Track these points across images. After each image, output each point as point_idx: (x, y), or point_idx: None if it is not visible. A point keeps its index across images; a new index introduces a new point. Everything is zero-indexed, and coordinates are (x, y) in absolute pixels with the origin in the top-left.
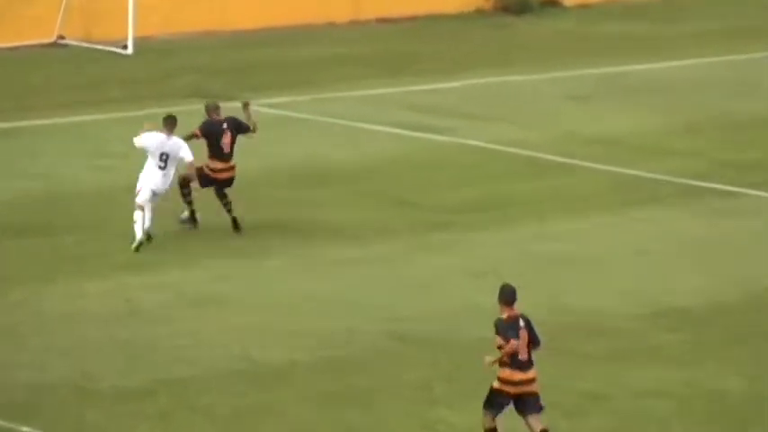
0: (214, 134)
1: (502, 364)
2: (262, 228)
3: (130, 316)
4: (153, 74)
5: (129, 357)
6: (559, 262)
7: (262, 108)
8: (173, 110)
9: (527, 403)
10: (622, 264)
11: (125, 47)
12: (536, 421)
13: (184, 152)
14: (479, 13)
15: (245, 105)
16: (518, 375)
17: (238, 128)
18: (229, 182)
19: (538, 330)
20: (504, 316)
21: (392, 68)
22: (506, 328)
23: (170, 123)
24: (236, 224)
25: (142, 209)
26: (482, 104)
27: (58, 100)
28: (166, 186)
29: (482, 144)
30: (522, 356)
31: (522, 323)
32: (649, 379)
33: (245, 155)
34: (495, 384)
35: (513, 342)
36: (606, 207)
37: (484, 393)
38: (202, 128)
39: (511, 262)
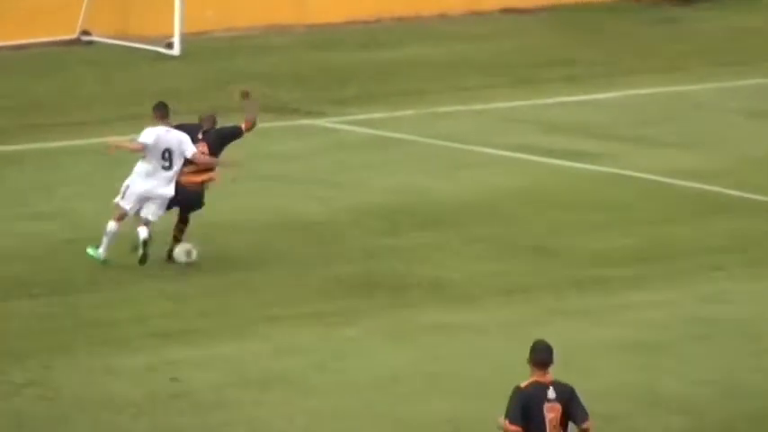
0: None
1: None
2: (341, 283)
3: (175, 400)
4: (204, 81)
5: None
6: (740, 331)
7: (348, 127)
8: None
9: None
10: None
11: (170, 45)
12: None
13: (186, 146)
14: (638, 2)
15: (245, 95)
16: None
17: (222, 138)
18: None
19: (582, 400)
20: (525, 384)
21: (521, 75)
22: (515, 404)
23: (162, 111)
24: (169, 255)
25: (122, 218)
26: (641, 123)
27: (79, 115)
28: (171, 191)
29: (640, 174)
30: None
31: (552, 394)
32: None
33: (328, 188)
34: None
35: (509, 426)
36: None
37: None
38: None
39: (678, 330)
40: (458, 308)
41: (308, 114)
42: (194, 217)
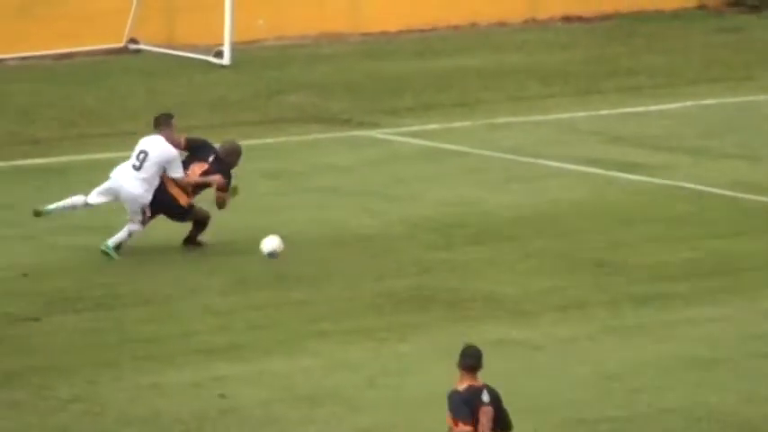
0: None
1: None
2: (393, 297)
3: (223, 416)
4: (256, 91)
5: None
6: None
7: (402, 138)
8: (279, 140)
9: None
10: None
11: (219, 54)
12: None
13: (172, 165)
14: (702, 9)
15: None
16: None
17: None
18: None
19: (508, 411)
20: (462, 387)
21: (581, 85)
22: (460, 404)
23: (156, 120)
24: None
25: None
26: (704, 134)
27: (126, 126)
28: (137, 197)
29: (703, 188)
30: None
31: (486, 398)
32: None
33: (381, 200)
34: None
35: (463, 426)
36: None
37: None
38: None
39: (738, 347)
40: (513, 324)
41: (361, 125)
42: (245, 230)
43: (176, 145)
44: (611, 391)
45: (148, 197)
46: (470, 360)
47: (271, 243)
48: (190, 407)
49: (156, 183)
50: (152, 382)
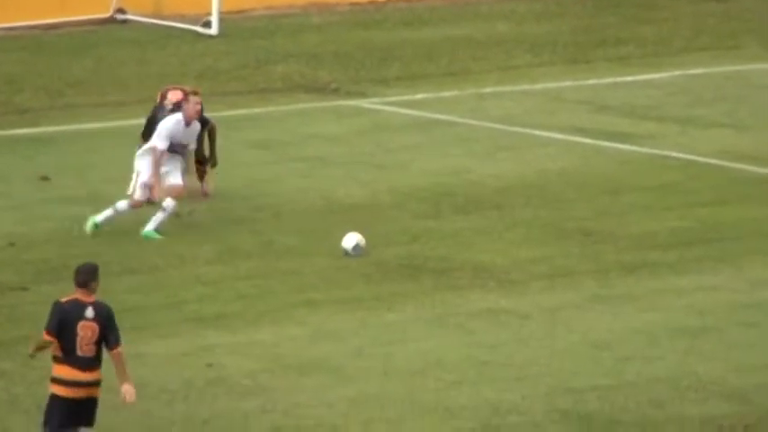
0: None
1: (55, 359)
2: (382, 267)
3: (211, 386)
4: (244, 61)
5: None
6: None
7: (390, 108)
8: (268, 110)
9: (82, 411)
10: None
11: (207, 24)
12: None
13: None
14: None
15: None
16: (78, 375)
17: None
18: None
19: (117, 326)
20: (65, 299)
21: (572, 54)
22: (51, 314)
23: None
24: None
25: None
26: (691, 104)
27: (113, 97)
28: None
29: (693, 157)
30: (85, 352)
31: (90, 314)
32: None
33: (370, 170)
34: (51, 388)
35: (45, 336)
36: None
37: None
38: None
39: (725, 316)
40: (501, 292)
41: (349, 95)
42: (233, 200)
43: None
44: (599, 359)
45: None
46: (81, 276)
47: (353, 238)
48: (177, 376)
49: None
50: (138, 351)
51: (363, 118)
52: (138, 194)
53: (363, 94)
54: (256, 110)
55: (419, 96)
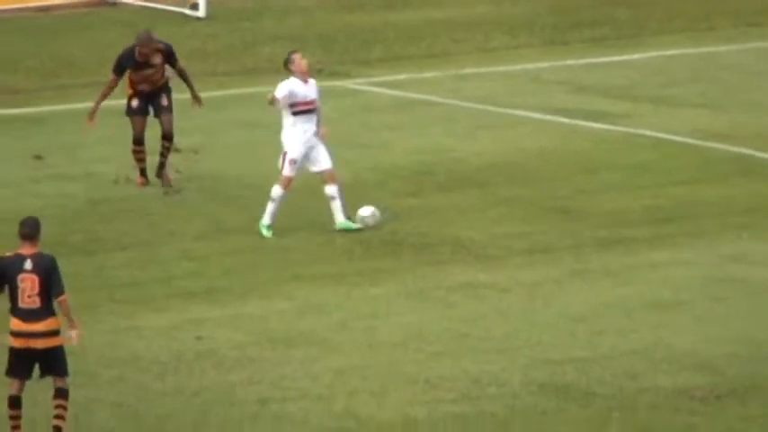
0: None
1: (9, 312)
2: (365, 243)
3: (200, 359)
4: (231, 43)
5: (200, 414)
6: (761, 292)
7: (373, 88)
8: (255, 90)
9: (37, 360)
10: None
11: (195, 7)
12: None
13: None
14: None
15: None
16: (21, 325)
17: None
18: None
19: (60, 277)
20: (8, 254)
21: (549, 36)
22: None
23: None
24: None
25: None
26: (667, 84)
27: (103, 77)
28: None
29: (668, 136)
30: (28, 304)
31: (29, 265)
32: None
33: (353, 149)
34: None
35: None
36: None
37: None
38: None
39: (698, 290)
40: (480, 267)
41: (333, 76)
42: (225, 178)
43: None
44: (576, 332)
45: (285, 141)
46: (24, 229)
47: (367, 209)
48: (167, 349)
49: (289, 123)
50: (131, 325)
51: (347, 98)
52: (287, 170)
53: (347, 75)
54: (244, 90)
55: (401, 77)
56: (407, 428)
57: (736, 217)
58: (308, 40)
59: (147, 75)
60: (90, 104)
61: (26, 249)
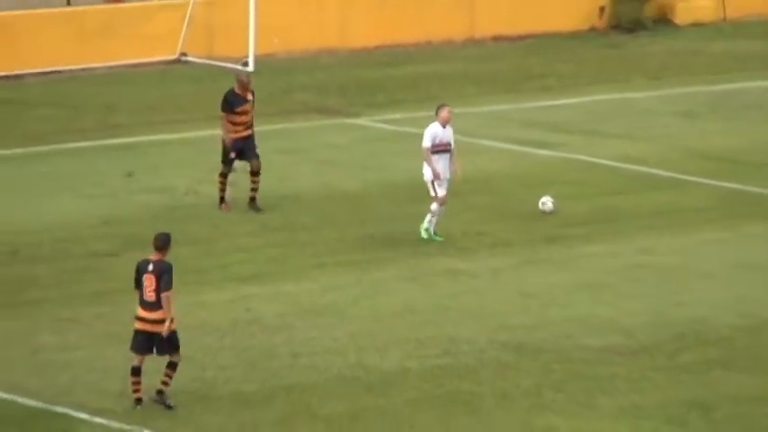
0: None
1: (139, 302)
2: (372, 239)
3: (249, 325)
4: (272, 90)
5: (248, 364)
6: (665, 275)
7: (379, 124)
8: (290, 126)
9: (153, 341)
10: (730, 277)
11: (246, 64)
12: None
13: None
14: (593, 31)
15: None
16: (143, 313)
17: None
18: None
19: (170, 278)
20: (141, 259)
21: (508, 86)
22: (136, 272)
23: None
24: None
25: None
26: (596, 121)
27: (179, 116)
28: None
29: (595, 160)
30: (149, 297)
31: (150, 267)
32: (750, 386)
33: (363, 169)
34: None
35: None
36: (716, 222)
37: (597, 402)
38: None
39: (618, 274)
40: (458, 258)
41: (349, 115)
42: (267, 191)
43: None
44: (528, 305)
45: (426, 172)
46: (155, 241)
47: (547, 200)
48: (225, 318)
49: (429, 160)
50: (197, 300)
51: (358, 132)
52: (439, 191)
53: (358, 115)
54: (282, 126)
55: (399, 116)
56: (403, 375)
57: (647, 219)
58: (329, 89)
59: (245, 110)
60: (166, 136)
61: (154, 256)
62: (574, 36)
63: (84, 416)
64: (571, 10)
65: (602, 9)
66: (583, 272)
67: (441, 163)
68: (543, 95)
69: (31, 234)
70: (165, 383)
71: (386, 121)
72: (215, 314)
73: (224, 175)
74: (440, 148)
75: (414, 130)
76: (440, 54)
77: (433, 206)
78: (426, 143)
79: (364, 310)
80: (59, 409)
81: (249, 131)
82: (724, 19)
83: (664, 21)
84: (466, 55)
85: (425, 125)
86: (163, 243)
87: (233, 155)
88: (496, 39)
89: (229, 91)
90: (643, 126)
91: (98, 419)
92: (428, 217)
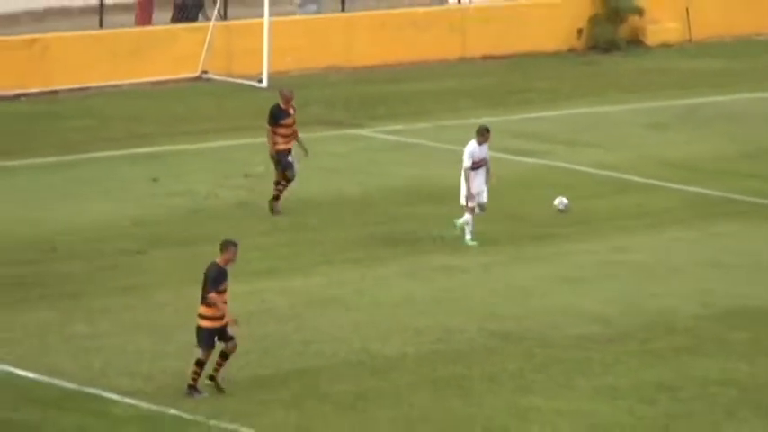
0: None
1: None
2: (374, 238)
3: (264, 314)
4: None
5: (263, 350)
6: (638, 270)
7: (380, 135)
8: (301, 136)
9: (220, 335)
10: (696, 273)
11: (260, 81)
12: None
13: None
14: (572, 51)
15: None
16: (201, 310)
17: None
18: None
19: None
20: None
21: (496, 100)
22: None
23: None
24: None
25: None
26: (575, 132)
27: (200, 128)
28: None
29: (574, 166)
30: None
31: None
32: (715, 370)
33: (365, 175)
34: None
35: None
36: (683, 222)
37: (576, 384)
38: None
39: (596, 269)
40: (452, 255)
41: (353, 126)
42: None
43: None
44: (514, 297)
45: (463, 185)
46: (220, 246)
47: (563, 200)
48: (242, 308)
49: (468, 178)
50: None
51: (361, 142)
52: (469, 203)
53: (361, 126)
54: None
55: (398, 127)
56: (402, 360)
57: (621, 221)
58: (336, 103)
59: (289, 123)
60: (188, 146)
61: (219, 258)
62: (555, 55)
63: (115, 396)
64: (552, 32)
65: (580, 31)
66: (564, 267)
67: (478, 177)
68: (527, 109)
69: (67, 234)
70: (217, 370)
71: (386, 132)
72: (233, 305)
73: (279, 182)
74: (477, 164)
75: (411, 140)
76: (435, 72)
77: (467, 216)
78: (467, 162)
79: (367, 301)
80: (92, 391)
81: (292, 142)
82: (690, 40)
83: (636, 42)
84: (458, 72)
85: (422, 135)
86: (222, 247)
87: (290, 158)
88: (485, 58)
89: (274, 106)
90: (617, 136)
91: (128, 400)
92: (462, 222)
